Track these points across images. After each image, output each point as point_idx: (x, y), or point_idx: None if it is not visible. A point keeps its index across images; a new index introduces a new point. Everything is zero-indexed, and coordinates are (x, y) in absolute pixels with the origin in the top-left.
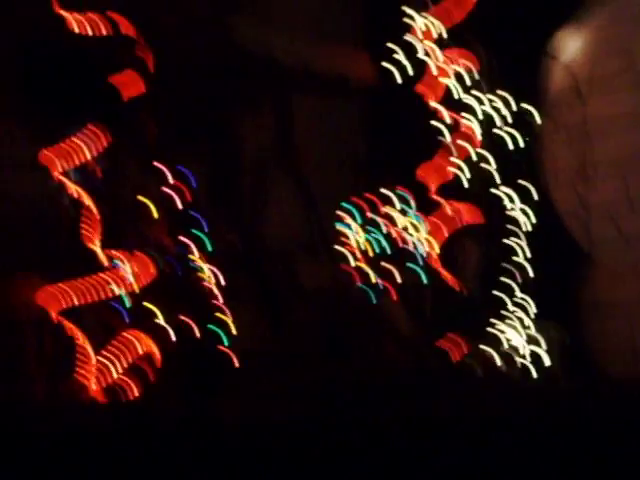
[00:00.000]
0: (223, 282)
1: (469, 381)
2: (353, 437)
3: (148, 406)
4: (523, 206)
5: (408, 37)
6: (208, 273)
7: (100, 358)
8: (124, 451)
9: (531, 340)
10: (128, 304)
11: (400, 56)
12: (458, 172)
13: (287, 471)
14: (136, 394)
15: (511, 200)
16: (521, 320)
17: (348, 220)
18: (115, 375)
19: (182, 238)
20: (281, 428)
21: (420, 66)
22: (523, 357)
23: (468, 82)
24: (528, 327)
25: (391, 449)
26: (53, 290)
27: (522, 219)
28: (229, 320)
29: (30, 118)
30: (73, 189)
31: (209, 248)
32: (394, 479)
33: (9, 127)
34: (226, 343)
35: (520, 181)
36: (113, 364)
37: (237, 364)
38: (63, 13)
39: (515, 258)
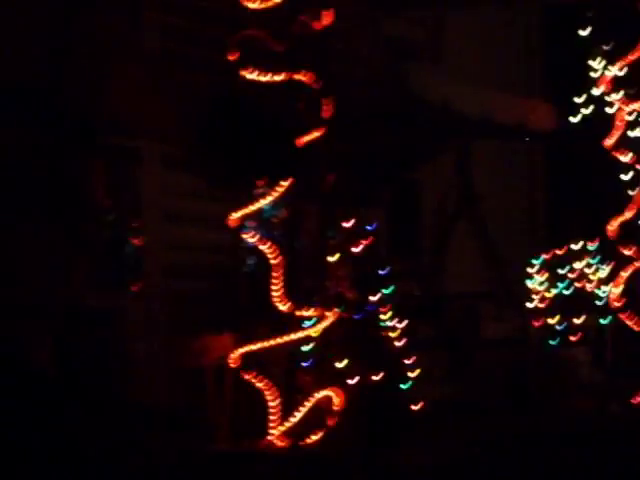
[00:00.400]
0: (403, 328)
1: None
2: None
3: (327, 452)
4: None
5: (593, 90)
6: (386, 318)
7: (277, 403)
8: None
9: None
10: (307, 351)
11: (584, 109)
12: None
13: None
14: (315, 440)
15: None
16: None
17: (535, 275)
18: (294, 420)
19: (363, 289)
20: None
21: (604, 118)
22: None
23: None
24: None
25: None
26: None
27: None
28: (410, 369)
29: (216, 176)
30: (254, 242)
31: (386, 292)
32: None
33: (195, 184)
34: (404, 387)
35: None
36: (291, 409)
37: (416, 411)
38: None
39: None
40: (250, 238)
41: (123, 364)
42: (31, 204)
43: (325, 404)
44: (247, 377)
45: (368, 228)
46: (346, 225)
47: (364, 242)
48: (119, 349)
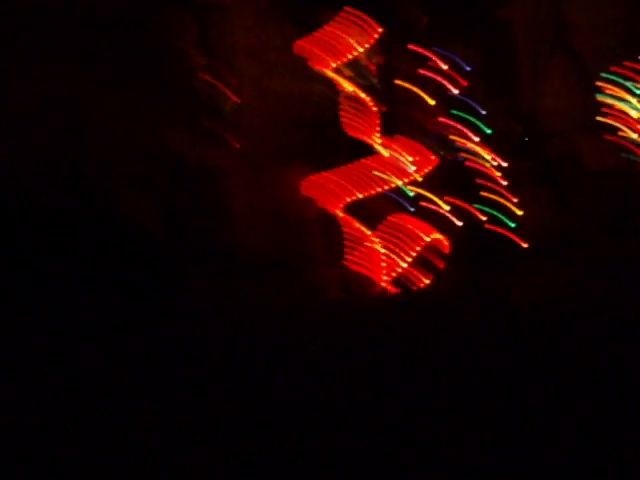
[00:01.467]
0: (504, 165)
1: None
2: None
3: (440, 294)
4: None
5: None
6: (488, 158)
7: (387, 251)
8: (411, 341)
9: None
10: (410, 193)
11: None
12: None
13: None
14: (426, 283)
15: None
16: None
17: (627, 96)
18: (404, 266)
19: (459, 125)
20: (569, 307)
21: None
22: None
23: None
24: None
25: None
26: (336, 185)
27: None
28: (512, 203)
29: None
30: (347, 85)
31: (487, 132)
32: None
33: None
34: (512, 225)
35: None
36: (400, 256)
37: (524, 245)
38: None
39: None
40: (348, 86)
41: (230, 218)
42: (128, 62)
43: (433, 247)
44: (355, 226)
45: (466, 69)
46: (443, 67)
47: (461, 82)
48: (225, 204)
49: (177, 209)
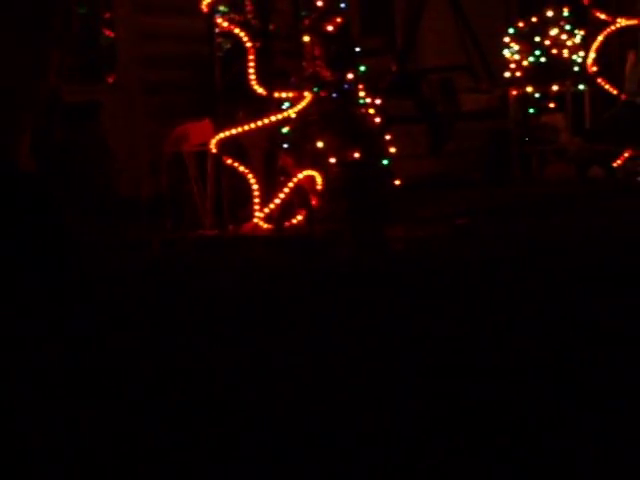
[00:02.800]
0: (378, 102)
1: (630, 188)
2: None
3: (314, 234)
4: None
5: None
6: (362, 95)
7: (259, 187)
8: (283, 277)
9: None
10: (284, 130)
11: None
12: None
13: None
14: (299, 219)
15: None
16: None
17: (510, 44)
18: (276, 202)
19: (339, 68)
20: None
21: None
22: None
23: None
24: None
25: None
26: (211, 122)
27: None
28: (385, 141)
29: None
30: (223, 24)
31: (361, 69)
32: None
33: None
34: (385, 163)
35: None
36: (273, 192)
37: (397, 183)
38: None
39: None
40: (223, 23)
41: (104, 156)
42: None
43: (307, 184)
44: (228, 162)
45: (341, 6)
46: (318, 4)
47: (337, 20)
48: (99, 141)
49: (50, 144)
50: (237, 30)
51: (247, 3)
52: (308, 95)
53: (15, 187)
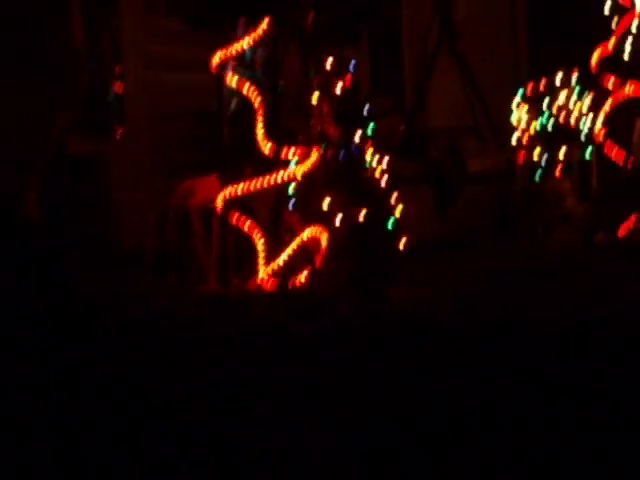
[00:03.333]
0: (386, 162)
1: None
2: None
3: (317, 292)
4: None
5: None
6: (372, 158)
7: (265, 245)
8: (296, 339)
9: None
10: (291, 190)
11: None
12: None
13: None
14: (303, 278)
15: None
16: None
17: (518, 107)
18: (281, 260)
19: (343, 122)
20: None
21: None
22: None
23: None
24: None
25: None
26: (217, 179)
27: None
28: (391, 202)
29: (197, 18)
30: (232, 81)
31: (370, 129)
32: None
33: (176, 27)
34: (390, 223)
35: None
36: (278, 250)
37: (402, 248)
38: None
39: None
40: (232, 80)
41: (109, 210)
42: (7, 48)
43: (312, 244)
44: (234, 219)
45: (351, 65)
46: (328, 63)
47: (346, 80)
48: (105, 195)
49: (56, 196)
50: (246, 87)
51: (256, 61)
52: (315, 153)
53: (20, 237)
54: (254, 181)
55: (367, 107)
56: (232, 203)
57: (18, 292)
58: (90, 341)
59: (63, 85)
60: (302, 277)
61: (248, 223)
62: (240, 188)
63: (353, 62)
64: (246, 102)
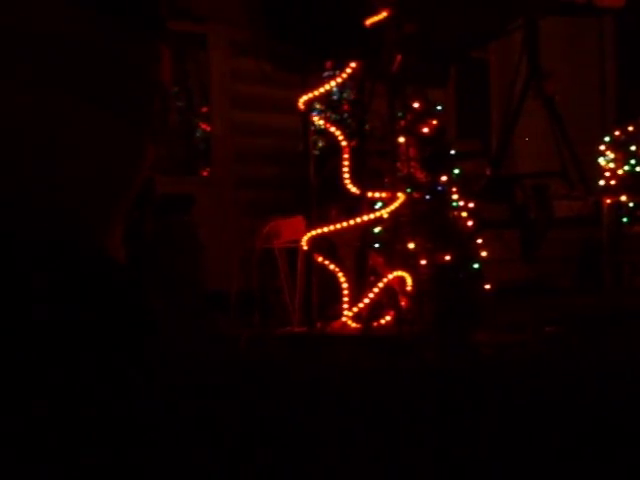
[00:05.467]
0: (471, 206)
1: None
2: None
3: (402, 335)
4: None
5: None
6: (455, 198)
7: (349, 285)
8: (383, 384)
9: None
10: (377, 230)
11: None
12: None
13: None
14: (387, 320)
15: None
16: None
17: (605, 151)
18: (366, 301)
19: (433, 170)
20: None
21: None
22: None
23: None
24: None
25: None
26: (303, 219)
27: None
28: (477, 245)
29: (284, 60)
30: (319, 122)
31: (455, 172)
32: None
33: (263, 68)
34: (476, 267)
35: None
36: (363, 291)
37: (488, 287)
38: None
39: None
40: (319, 121)
41: (195, 249)
42: (97, 91)
43: (397, 285)
44: (319, 260)
45: (437, 108)
46: (415, 105)
47: (433, 122)
48: (190, 234)
49: (143, 235)
50: (333, 129)
51: (343, 102)
52: (401, 196)
53: (105, 275)
54: (339, 222)
55: (453, 150)
56: (317, 243)
57: (100, 334)
58: (168, 381)
59: (152, 123)
60: (386, 319)
61: (333, 264)
62: (326, 228)
63: (440, 105)
64: (332, 143)
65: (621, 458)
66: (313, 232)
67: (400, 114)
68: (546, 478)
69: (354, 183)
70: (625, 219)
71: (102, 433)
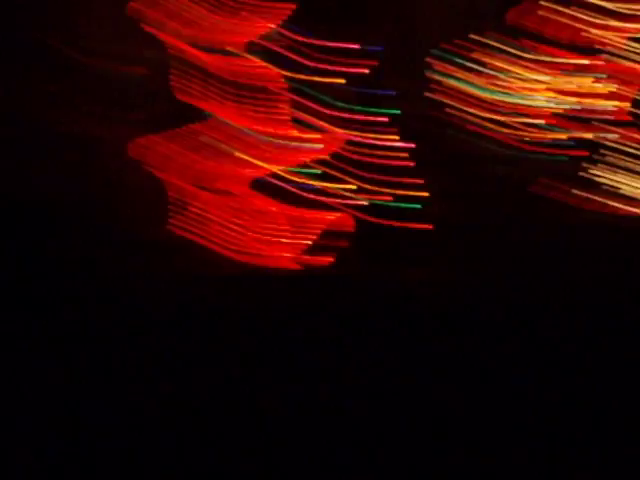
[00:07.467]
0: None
1: None
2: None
3: (340, 273)
4: None
5: None
6: (394, 142)
7: (289, 227)
8: (315, 320)
9: None
10: (317, 172)
11: None
12: None
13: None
14: (328, 261)
15: None
16: None
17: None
18: (306, 242)
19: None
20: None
21: None
22: None
23: None
24: None
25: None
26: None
27: None
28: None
29: None
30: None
31: (394, 113)
32: None
33: None
34: (417, 206)
35: None
36: (303, 232)
37: (428, 228)
38: None
39: None
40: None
41: None
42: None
43: (337, 226)
44: (261, 201)
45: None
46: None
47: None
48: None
49: None
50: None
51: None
52: (340, 137)
53: None
54: (277, 163)
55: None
56: (257, 184)
57: None
58: None
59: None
60: (326, 258)
61: (274, 205)
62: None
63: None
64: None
65: None
66: None
67: None
68: None
69: None
70: None
71: None
